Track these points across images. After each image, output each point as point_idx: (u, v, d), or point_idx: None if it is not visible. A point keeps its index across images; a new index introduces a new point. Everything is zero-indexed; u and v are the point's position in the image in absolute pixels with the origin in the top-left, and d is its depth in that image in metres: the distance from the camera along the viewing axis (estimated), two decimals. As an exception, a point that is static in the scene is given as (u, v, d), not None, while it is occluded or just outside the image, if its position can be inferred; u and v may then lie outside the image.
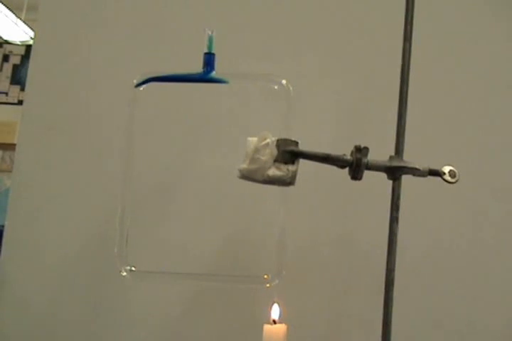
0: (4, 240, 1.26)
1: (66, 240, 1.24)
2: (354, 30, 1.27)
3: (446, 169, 0.80)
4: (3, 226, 1.26)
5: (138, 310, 1.21)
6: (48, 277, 1.24)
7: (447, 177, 0.80)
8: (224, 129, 1.22)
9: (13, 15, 3.70)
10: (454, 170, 0.80)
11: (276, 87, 0.92)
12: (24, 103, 1.33)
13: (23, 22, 3.82)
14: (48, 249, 1.25)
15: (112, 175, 1.07)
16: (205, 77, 0.91)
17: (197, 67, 0.92)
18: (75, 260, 1.24)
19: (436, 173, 0.80)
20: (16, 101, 4.36)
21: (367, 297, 1.16)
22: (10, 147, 3.85)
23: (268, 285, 0.93)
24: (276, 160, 0.79)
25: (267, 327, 0.90)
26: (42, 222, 1.26)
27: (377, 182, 0.85)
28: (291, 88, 0.91)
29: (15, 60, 4.48)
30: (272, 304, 0.94)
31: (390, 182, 0.82)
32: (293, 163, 0.80)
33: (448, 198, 1.17)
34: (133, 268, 0.94)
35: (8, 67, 4.48)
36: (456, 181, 0.80)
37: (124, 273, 0.93)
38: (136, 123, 0.93)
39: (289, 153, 0.80)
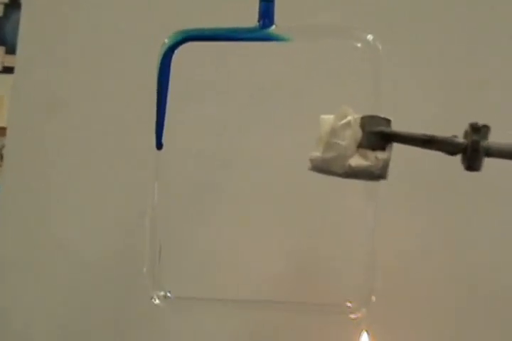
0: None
1: (83, 257, 1.08)
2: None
3: None
4: None
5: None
6: (60, 302, 1.09)
7: None
8: (287, 104, 1.06)
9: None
10: None
11: (359, 45, 0.80)
12: (16, 71, 1.15)
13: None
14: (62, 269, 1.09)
15: (141, 171, 0.88)
16: (261, 33, 0.79)
17: (249, 20, 0.78)
18: (96, 283, 1.07)
19: None
20: None
21: (478, 329, 0.99)
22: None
23: (353, 315, 0.83)
24: (360, 146, 0.67)
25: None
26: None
27: (500, 175, 0.81)
28: (379, 46, 0.79)
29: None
30: (361, 332, 0.84)
31: None
32: (383, 148, 0.67)
33: None
34: (168, 294, 0.83)
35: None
36: None
37: (157, 301, 0.83)
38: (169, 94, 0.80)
39: (378, 136, 0.67)
